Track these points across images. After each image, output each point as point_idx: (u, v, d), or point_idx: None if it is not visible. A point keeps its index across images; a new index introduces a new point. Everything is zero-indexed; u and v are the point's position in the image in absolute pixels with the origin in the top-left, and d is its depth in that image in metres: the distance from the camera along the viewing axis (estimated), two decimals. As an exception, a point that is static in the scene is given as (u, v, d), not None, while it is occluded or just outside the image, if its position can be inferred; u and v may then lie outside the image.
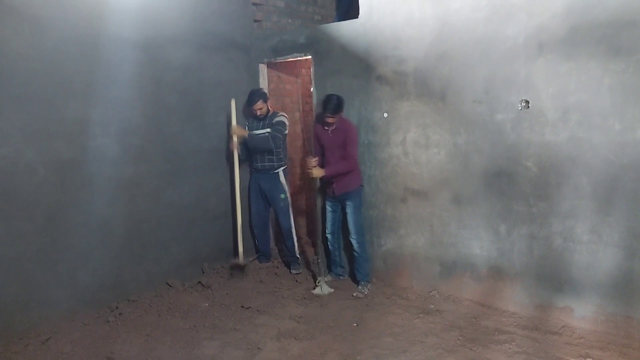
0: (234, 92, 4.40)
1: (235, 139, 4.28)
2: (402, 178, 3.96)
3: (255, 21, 4.89)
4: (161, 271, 3.99)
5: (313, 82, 4.41)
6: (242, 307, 3.69)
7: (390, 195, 4.04)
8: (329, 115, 3.82)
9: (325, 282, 4.04)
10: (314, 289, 4.00)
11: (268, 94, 4.56)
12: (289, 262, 4.56)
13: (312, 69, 4.42)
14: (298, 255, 4.52)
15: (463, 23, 3.52)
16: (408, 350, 2.99)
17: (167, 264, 4.04)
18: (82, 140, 3.42)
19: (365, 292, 3.92)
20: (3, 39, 2.98)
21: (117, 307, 3.56)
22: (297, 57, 4.53)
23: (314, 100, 4.37)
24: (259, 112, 4.32)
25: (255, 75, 4.79)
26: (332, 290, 3.99)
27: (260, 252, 4.66)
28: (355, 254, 4.01)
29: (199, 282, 4.12)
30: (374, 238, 4.17)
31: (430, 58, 3.70)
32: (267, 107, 4.39)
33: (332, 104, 3.79)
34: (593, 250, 3.14)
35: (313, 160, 3.92)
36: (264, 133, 4.31)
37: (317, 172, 3.90)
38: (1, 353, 2.91)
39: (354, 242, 3.99)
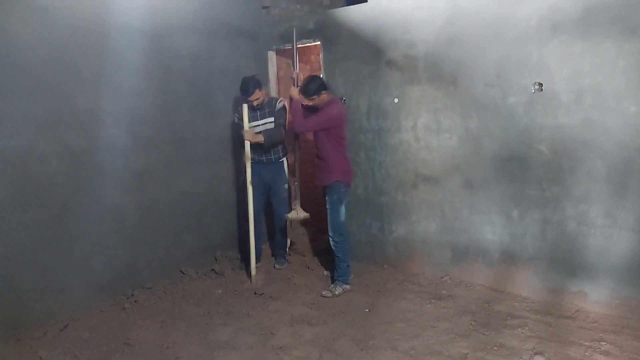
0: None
1: (247, 147, 3.90)
2: (412, 164, 3.94)
3: (264, 7, 4.85)
4: (174, 259, 4.04)
5: (322, 68, 4.38)
6: (255, 293, 3.73)
7: (401, 181, 4.02)
8: (307, 98, 3.57)
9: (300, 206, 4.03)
10: (289, 213, 4.05)
11: (262, 81, 4.11)
12: (275, 254, 4.39)
13: (321, 55, 4.38)
14: (287, 250, 4.38)
15: (474, 5, 3.46)
16: (420, 335, 3.01)
17: (180, 252, 4.08)
18: (93, 131, 3.44)
19: (336, 292, 3.62)
20: (13, 30, 2.99)
21: (132, 295, 3.62)
22: (306, 43, 4.49)
23: (324, 87, 4.34)
24: (255, 103, 3.95)
25: (263, 63, 4.76)
26: (308, 215, 4.01)
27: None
28: (333, 251, 3.72)
29: (212, 269, 4.16)
30: (385, 224, 4.16)
31: (441, 41, 3.64)
32: (264, 94, 4.03)
33: (307, 87, 3.54)
34: (607, 234, 3.10)
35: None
36: (268, 123, 4.03)
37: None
38: (22, 340, 2.98)
39: (330, 239, 3.71)
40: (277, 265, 4.30)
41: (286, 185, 4.29)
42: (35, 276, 3.16)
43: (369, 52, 4.03)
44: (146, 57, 3.76)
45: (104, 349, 2.94)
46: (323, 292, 3.67)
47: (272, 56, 4.80)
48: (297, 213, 4.02)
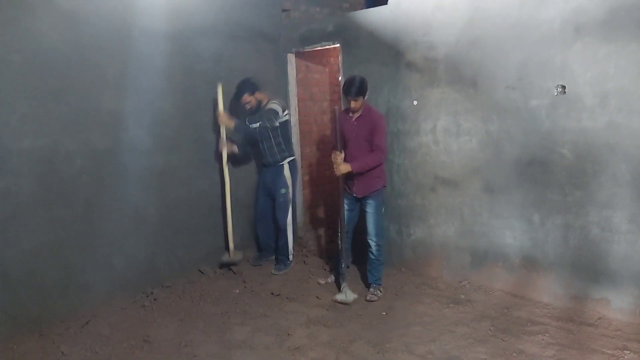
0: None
1: (223, 131, 4.00)
2: (432, 167, 3.91)
3: (284, 10, 4.89)
4: (193, 258, 4.09)
5: (341, 71, 4.39)
6: (272, 294, 3.74)
7: (420, 185, 3.99)
8: (351, 98, 3.44)
9: (349, 287, 3.68)
10: (337, 295, 3.64)
11: (258, 85, 4.14)
12: (277, 259, 4.33)
13: (340, 58, 4.39)
14: (290, 257, 4.28)
15: (496, 7, 3.43)
16: (437, 340, 2.98)
17: (198, 252, 4.13)
18: (117, 131, 3.51)
19: (379, 295, 3.64)
20: (41, 32, 3.08)
21: (152, 293, 3.67)
22: (325, 45, 4.52)
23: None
24: (247, 106, 4.08)
25: (283, 65, 4.80)
26: (356, 296, 3.62)
27: (262, 248, 4.44)
28: (372, 256, 3.70)
29: (230, 269, 4.20)
30: (403, 227, 4.14)
31: (462, 44, 3.62)
32: (256, 99, 4.10)
33: (355, 86, 3.40)
34: (632, 240, 3.03)
35: (339, 156, 3.49)
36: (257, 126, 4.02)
37: (344, 168, 3.48)
38: (45, 335, 3.06)
39: (372, 244, 3.67)
40: (274, 271, 4.20)
41: (283, 190, 4.19)
42: (59, 273, 3.23)
43: (389, 55, 4.02)
44: (168, 59, 3.83)
45: (124, 345, 3.00)
46: (368, 297, 3.62)
47: (291, 59, 4.83)
48: (346, 295, 3.58)
